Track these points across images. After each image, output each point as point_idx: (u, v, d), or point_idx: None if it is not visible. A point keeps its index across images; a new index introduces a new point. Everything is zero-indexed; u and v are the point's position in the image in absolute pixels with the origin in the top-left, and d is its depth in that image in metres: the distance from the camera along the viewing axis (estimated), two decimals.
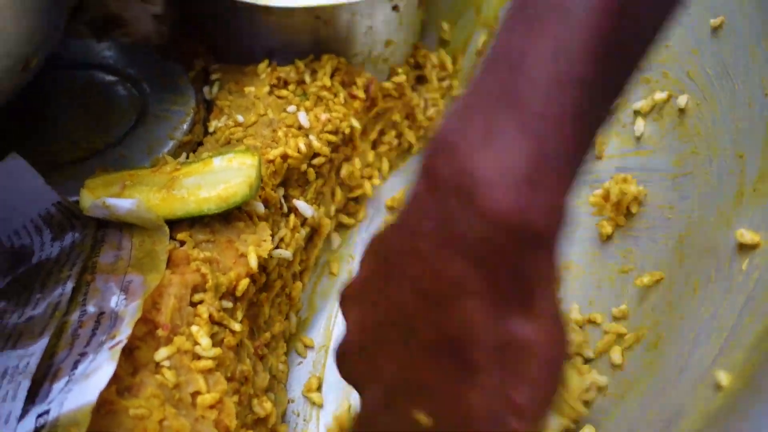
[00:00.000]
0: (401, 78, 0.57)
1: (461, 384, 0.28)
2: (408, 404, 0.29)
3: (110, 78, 0.52)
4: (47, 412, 0.30)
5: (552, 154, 0.25)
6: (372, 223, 0.55)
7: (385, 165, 0.57)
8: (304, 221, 0.48)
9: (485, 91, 0.27)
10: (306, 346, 0.48)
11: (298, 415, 0.44)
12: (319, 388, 0.45)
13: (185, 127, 0.49)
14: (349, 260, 0.52)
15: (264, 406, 0.40)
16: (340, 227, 0.54)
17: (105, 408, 0.31)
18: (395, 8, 0.56)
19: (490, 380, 0.27)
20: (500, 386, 0.27)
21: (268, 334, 0.43)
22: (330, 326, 0.49)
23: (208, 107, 0.52)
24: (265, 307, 0.44)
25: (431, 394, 0.29)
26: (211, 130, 0.49)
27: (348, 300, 0.32)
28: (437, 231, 0.27)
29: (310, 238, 0.50)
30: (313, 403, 0.44)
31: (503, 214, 0.25)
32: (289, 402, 0.44)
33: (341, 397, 0.44)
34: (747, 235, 0.35)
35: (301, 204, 0.48)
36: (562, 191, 0.26)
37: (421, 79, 0.63)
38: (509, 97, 0.26)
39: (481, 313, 0.26)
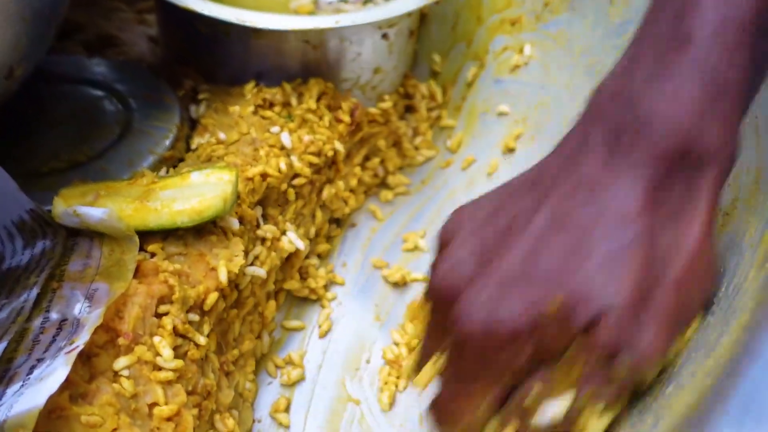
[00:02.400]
0: (387, 104, 0.57)
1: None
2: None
3: (98, 93, 0.52)
4: None
5: (723, 85, 0.28)
6: (350, 247, 0.55)
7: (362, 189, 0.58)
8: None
9: (652, 35, 0.29)
10: (277, 367, 0.47)
11: None
12: (287, 409, 0.44)
13: (167, 143, 0.49)
14: (327, 284, 0.52)
15: (226, 423, 0.39)
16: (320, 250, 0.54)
17: (56, 413, 0.31)
18: (385, 36, 0.57)
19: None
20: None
21: (236, 351, 0.43)
22: (303, 347, 0.48)
23: (193, 126, 0.53)
24: (236, 324, 0.43)
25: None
26: (193, 147, 0.50)
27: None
28: (603, 157, 0.29)
29: (287, 259, 0.50)
30: (280, 424, 0.44)
31: (676, 140, 0.28)
32: (255, 422, 0.44)
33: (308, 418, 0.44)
34: None
35: (292, 235, 0.48)
36: (734, 121, 0.29)
37: (410, 109, 0.63)
38: (677, 38, 0.28)
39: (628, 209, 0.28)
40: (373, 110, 0.56)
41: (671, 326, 0.28)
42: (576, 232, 0.28)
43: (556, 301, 0.28)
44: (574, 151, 0.30)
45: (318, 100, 0.54)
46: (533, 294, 0.28)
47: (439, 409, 0.32)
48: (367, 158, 0.58)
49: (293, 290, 0.51)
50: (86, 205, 0.39)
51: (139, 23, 0.67)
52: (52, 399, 0.30)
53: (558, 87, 0.61)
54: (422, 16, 0.65)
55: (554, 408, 0.28)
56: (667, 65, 0.28)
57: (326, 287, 0.52)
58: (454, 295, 0.31)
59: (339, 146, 0.52)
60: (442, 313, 0.31)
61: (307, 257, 0.52)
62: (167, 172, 0.47)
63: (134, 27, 0.66)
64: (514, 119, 0.61)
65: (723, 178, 0.29)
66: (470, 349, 0.29)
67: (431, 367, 0.33)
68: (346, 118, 0.53)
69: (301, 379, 0.46)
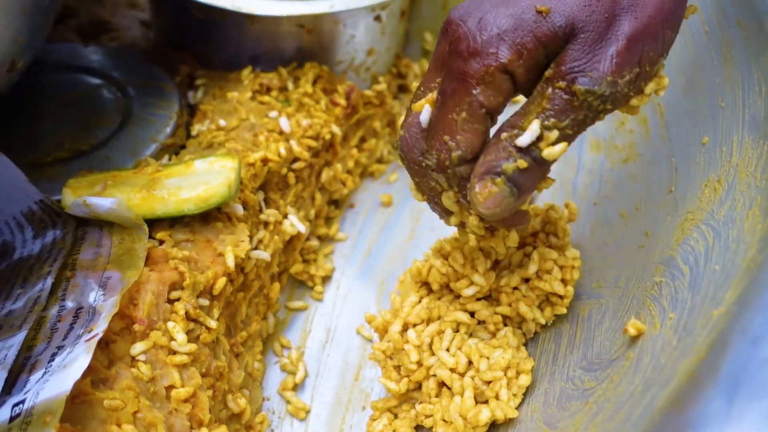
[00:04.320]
0: (382, 86, 0.58)
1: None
2: None
3: (96, 81, 0.53)
4: (23, 401, 0.31)
5: None
6: (349, 228, 0.56)
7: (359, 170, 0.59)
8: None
9: None
10: (283, 347, 0.48)
11: (274, 413, 0.45)
12: (294, 387, 0.46)
13: (168, 130, 0.50)
14: (327, 263, 0.53)
15: (238, 403, 0.40)
16: (320, 232, 0.55)
17: (80, 398, 0.32)
18: (377, 18, 0.57)
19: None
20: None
21: (244, 333, 0.44)
22: (307, 328, 0.50)
23: (192, 112, 0.53)
24: (243, 307, 0.45)
25: None
26: (193, 133, 0.50)
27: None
28: None
29: (289, 241, 0.51)
30: (288, 401, 0.45)
31: None
32: (264, 400, 0.45)
33: (315, 395, 0.45)
34: None
35: (294, 219, 0.49)
36: None
37: (403, 89, 0.64)
38: None
39: None
40: (368, 92, 0.57)
41: (631, 53, 0.31)
42: None
43: (544, 8, 0.32)
44: None
45: (314, 83, 0.54)
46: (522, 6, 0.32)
47: (431, 130, 0.35)
48: (363, 140, 0.59)
49: (295, 273, 0.52)
50: (95, 196, 0.40)
51: (130, 7, 0.67)
52: (74, 385, 0.31)
53: None
54: None
55: (524, 138, 0.32)
56: None
57: (327, 270, 0.53)
58: (463, 19, 0.34)
59: (336, 129, 0.53)
60: (448, 40, 0.35)
61: (307, 239, 0.54)
62: (169, 159, 0.48)
63: (126, 11, 0.66)
64: None
65: None
66: (459, 52, 0.33)
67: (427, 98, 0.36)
68: (343, 101, 0.54)
69: (307, 357, 0.48)
